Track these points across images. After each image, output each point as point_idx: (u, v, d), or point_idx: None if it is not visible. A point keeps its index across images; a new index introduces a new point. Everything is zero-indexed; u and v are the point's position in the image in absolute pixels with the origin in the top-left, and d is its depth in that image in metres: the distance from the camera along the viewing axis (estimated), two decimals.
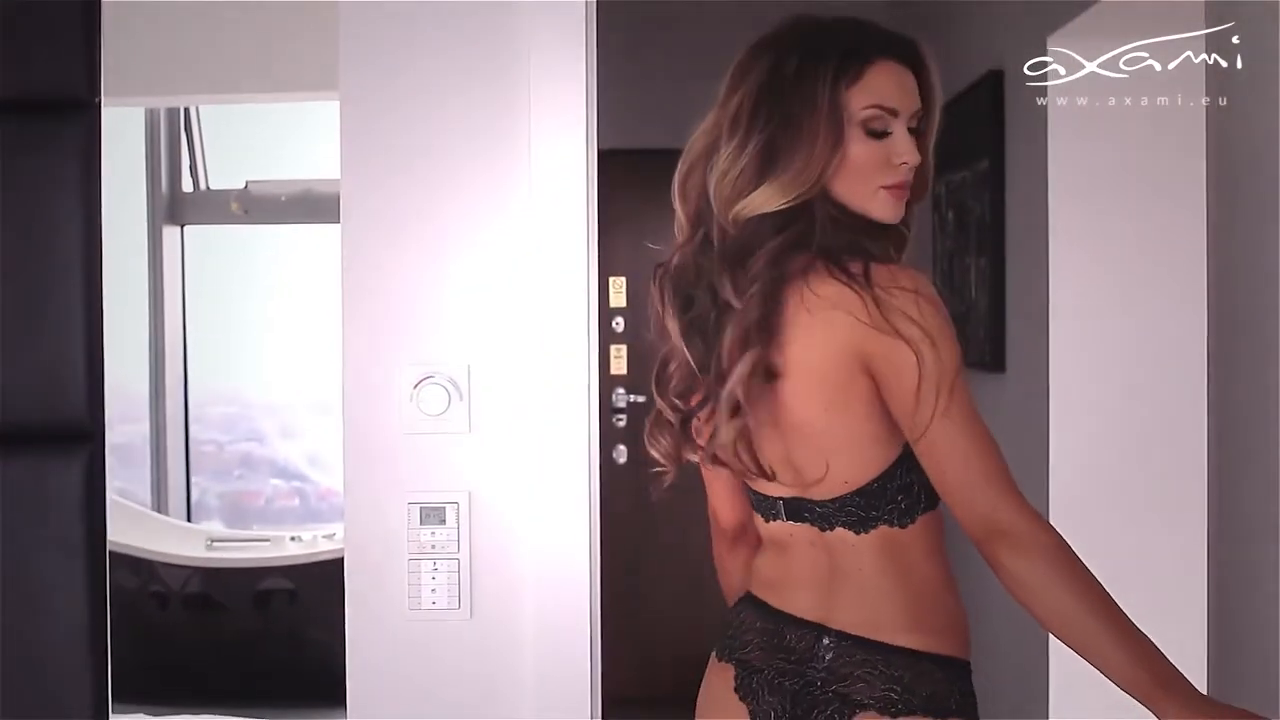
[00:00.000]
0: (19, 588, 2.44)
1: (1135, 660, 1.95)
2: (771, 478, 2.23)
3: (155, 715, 4.22)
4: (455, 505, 2.55)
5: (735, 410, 2.18)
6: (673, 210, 2.29)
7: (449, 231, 2.57)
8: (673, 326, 2.28)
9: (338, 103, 2.60)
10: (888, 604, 2.18)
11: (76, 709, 2.45)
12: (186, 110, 6.16)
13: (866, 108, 2.15)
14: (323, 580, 5.10)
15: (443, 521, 2.54)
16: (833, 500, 2.20)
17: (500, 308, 2.57)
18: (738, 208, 2.16)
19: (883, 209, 2.18)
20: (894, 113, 2.16)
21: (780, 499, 2.26)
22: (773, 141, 2.15)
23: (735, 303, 2.15)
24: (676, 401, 2.31)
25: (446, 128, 2.56)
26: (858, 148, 2.16)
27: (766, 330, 2.15)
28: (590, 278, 2.56)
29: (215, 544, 5.36)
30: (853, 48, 2.18)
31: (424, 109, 2.56)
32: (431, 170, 2.57)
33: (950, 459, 2.05)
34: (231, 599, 5.17)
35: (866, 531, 2.19)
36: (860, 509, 2.19)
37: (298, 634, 5.09)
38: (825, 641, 2.21)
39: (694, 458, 2.32)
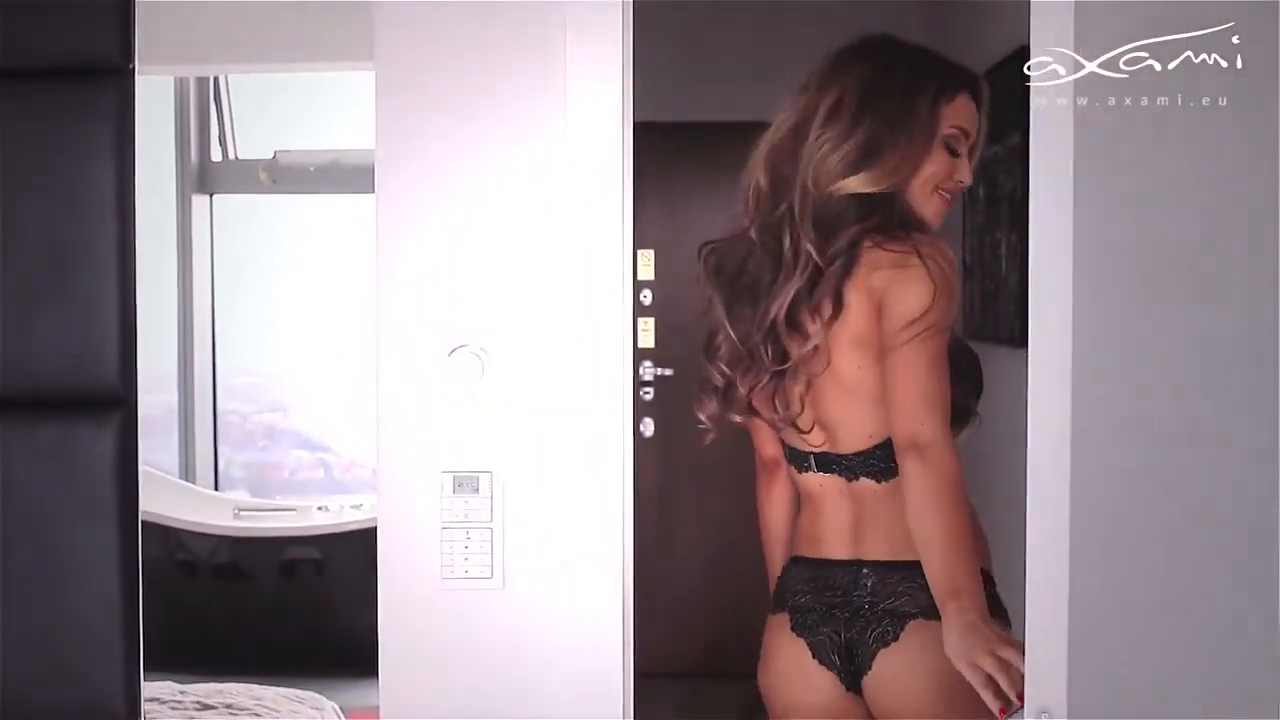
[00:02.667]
0: (52, 554, 2.45)
1: (946, 571, 2.42)
2: (807, 431, 2.63)
3: (183, 682, 4.24)
4: (489, 474, 2.55)
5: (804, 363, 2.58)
6: (750, 181, 2.66)
7: (484, 203, 2.57)
8: (717, 304, 2.65)
9: (366, 73, 2.60)
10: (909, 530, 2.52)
11: (109, 675, 2.47)
12: (216, 80, 6.16)
13: (952, 127, 2.60)
14: (349, 551, 5.11)
15: (476, 491, 2.55)
16: (857, 454, 2.61)
17: (535, 280, 2.57)
18: (835, 185, 2.54)
19: (934, 214, 2.63)
20: (966, 136, 2.63)
21: (811, 453, 2.65)
22: (877, 137, 2.54)
23: (820, 261, 2.53)
24: (725, 369, 2.67)
25: (482, 98, 2.56)
26: (936, 160, 2.60)
27: (837, 296, 2.54)
28: (625, 250, 2.56)
29: (243, 513, 5.37)
30: (948, 77, 2.62)
31: (459, 80, 2.56)
32: (467, 141, 2.57)
33: (907, 376, 2.47)
34: (258, 568, 5.18)
35: (887, 480, 2.59)
36: (881, 460, 2.59)
37: (324, 604, 5.10)
38: (864, 572, 2.62)
39: (738, 418, 2.69)
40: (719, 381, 2.68)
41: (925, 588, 2.50)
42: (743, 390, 2.64)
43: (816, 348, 2.55)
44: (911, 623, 2.56)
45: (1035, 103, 2.34)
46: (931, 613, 2.50)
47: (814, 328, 2.54)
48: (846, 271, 2.52)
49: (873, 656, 2.58)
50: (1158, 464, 2.32)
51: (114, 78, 2.43)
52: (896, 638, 2.56)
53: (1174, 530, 2.33)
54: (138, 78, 2.46)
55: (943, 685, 2.50)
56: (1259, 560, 2.33)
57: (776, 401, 2.61)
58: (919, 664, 2.53)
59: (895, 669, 2.56)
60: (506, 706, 2.60)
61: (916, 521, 2.46)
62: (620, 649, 2.60)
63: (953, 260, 2.53)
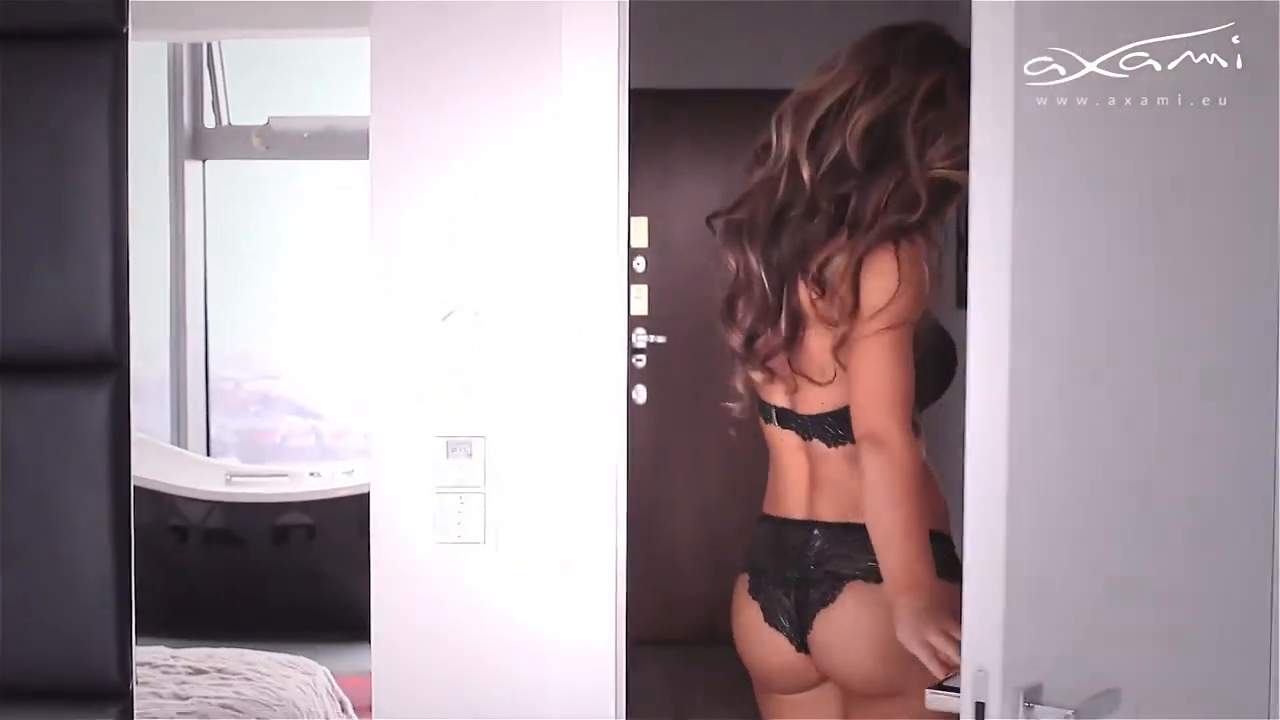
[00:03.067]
0: (44, 518, 2.45)
1: (902, 566, 2.46)
2: (827, 381, 2.68)
3: (174, 647, 4.25)
4: (483, 439, 2.56)
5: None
6: (830, 150, 2.65)
7: (479, 169, 2.57)
8: (750, 259, 2.68)
9: (360, 39, 2.60)
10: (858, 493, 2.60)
11: (101, 638, 2.47)
12: (209, 46, 6.14)
13: None
14: (341, 516, 5.11)
15: (469, 455, 2.55)
16: (811, 416, 2.71)
17: (529, 245, 2.57)
18: (938, 172, 2.62)
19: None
20: None
21: (774, 406, 2.76)
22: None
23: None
24: (745, 330, 2.72)
25: (477, 63, 2.56)
26: None
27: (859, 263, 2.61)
28: (621, 217, 2.57)
29: (235, 479, 5.37)
30: None
31: (455, 45, 2.56)
32: (462, 106, 2.56)
33: (867, 368, 2.54)
34: (251, 534, 5.18)
35: (836, 446, 2.69)
36: (831, 427, 2.68)
37: (316, 569, 5.11)
38: (815, 533, 2.72)
39: (758, 376, 2.75)
40: (737, 344, 2.74)
41: (868, 549, 2.58)
42: (762, 347, 2.70)
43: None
44: (850, 584, 2.65)
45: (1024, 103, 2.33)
46: (871, 575, 2.61)
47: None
48: (877, 243, 2.59)
49: (814, 616, 2.68)
50: (1102, 432, 2.32)
51: (108, 41, 2.42)
52: (835, 599, 2.66)
53: (1115, 493, 2.33)
54: (132, 42, 2.46)
55: (878, 646, 2.58)
56: (1201, 527, 2.33)
57: (790, 358, 2.69)
58: (855, 624, 2.64)
59: (832, 629, 2.66)
60: (499, 672, 2.61)
61: (873, 515, 2.53)
62: (613, 616, 2.61)
63: (923, 259, 2.61)
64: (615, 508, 2.61)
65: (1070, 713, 2.16)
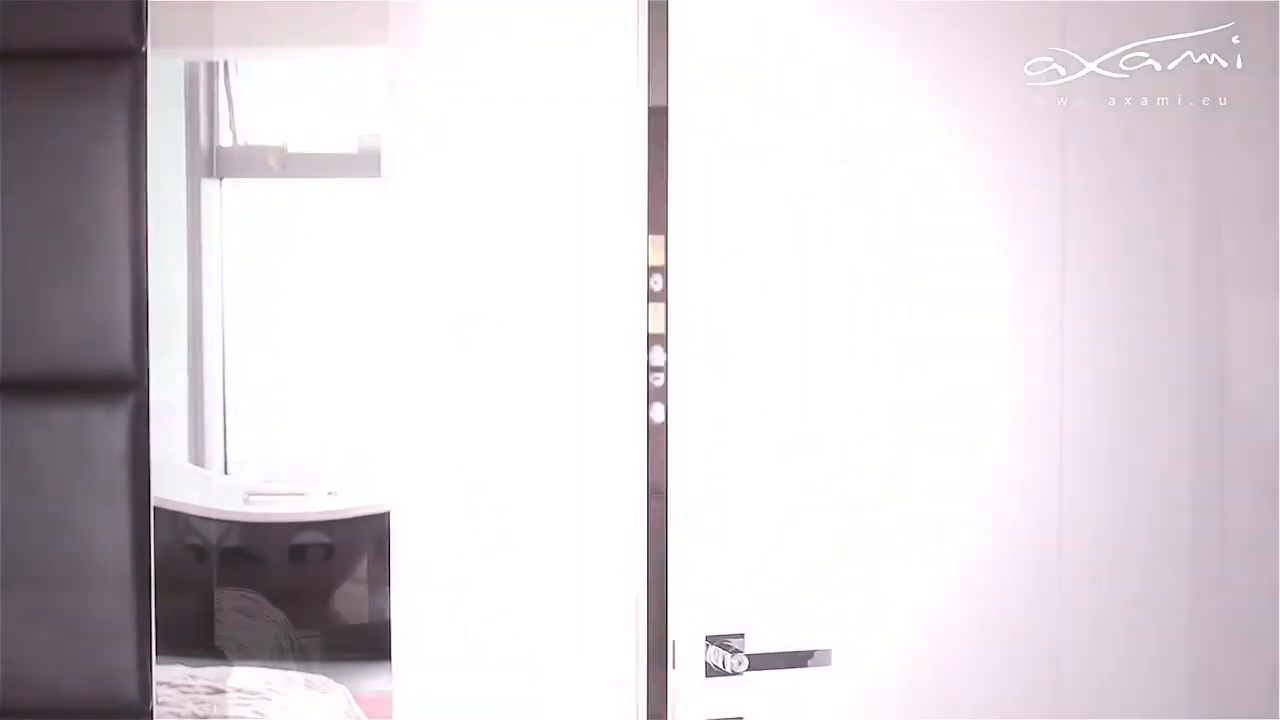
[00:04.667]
0: (62, 537, 2.45)
1: None
2: None
3: (193, 666, 4.23)
4: (503, 458, 2.55)
5: None
6: None
7: (499, 187, 2.56)
8: None
9: (376, 58, 2.60)
10: None
11: (120, 658, 2.46)
12: (225, 64, 6.14)
13: None
14: (358, 535, 5.10)
15: (491, 474, 2.55)
16: None
17: (547, 261, 2.56)
18: None
19: None
20: None
21: None
22: None
23: None
24: None
25: (497, 81, 2.55)
26: None
27: None
28: (642, 237, 2.57)
29: (252, 498, 5.36)
30: None
31: (474, 63, 2.56)
32: (481, 124, 2.56)
33: None
34: (268, 553, 5.18)
35: None
36: None
37: (334, 588, 5.10)
38: None
39: None
40: None
41: None
42: None
43: None
44: None
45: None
46: None
47: None
48: None
49: None
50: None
51: (127, 60, 2.43)
52: None
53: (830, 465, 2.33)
54: (150, 61, 2.46)
55: None
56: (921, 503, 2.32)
57: None
58: None
59: None
60: (520, 693, 2.60)
61: None
62: (635, 636, 2.60)
63: None
64: (636, 524, 2.60)
65: (742, 660, 2.41)
